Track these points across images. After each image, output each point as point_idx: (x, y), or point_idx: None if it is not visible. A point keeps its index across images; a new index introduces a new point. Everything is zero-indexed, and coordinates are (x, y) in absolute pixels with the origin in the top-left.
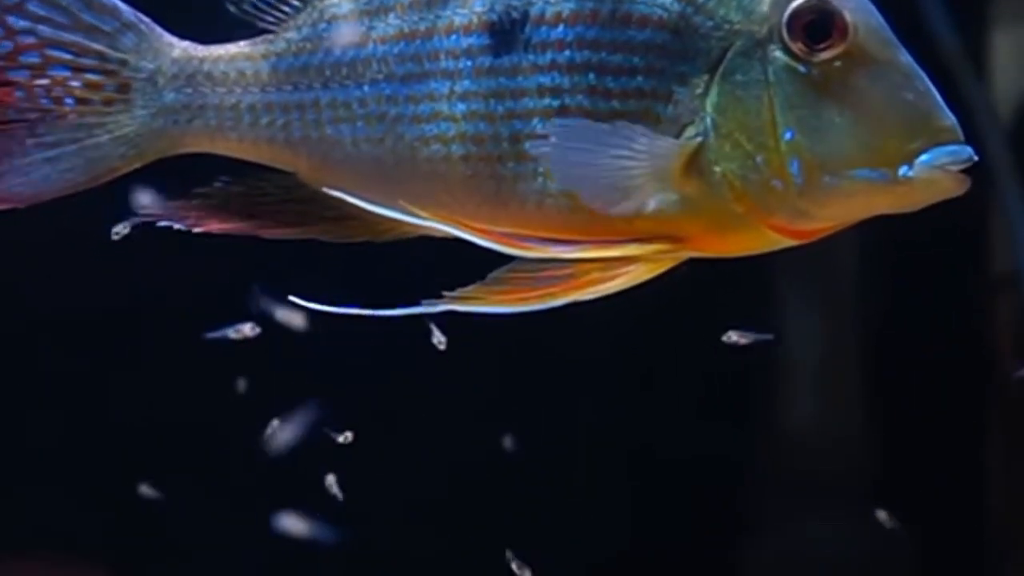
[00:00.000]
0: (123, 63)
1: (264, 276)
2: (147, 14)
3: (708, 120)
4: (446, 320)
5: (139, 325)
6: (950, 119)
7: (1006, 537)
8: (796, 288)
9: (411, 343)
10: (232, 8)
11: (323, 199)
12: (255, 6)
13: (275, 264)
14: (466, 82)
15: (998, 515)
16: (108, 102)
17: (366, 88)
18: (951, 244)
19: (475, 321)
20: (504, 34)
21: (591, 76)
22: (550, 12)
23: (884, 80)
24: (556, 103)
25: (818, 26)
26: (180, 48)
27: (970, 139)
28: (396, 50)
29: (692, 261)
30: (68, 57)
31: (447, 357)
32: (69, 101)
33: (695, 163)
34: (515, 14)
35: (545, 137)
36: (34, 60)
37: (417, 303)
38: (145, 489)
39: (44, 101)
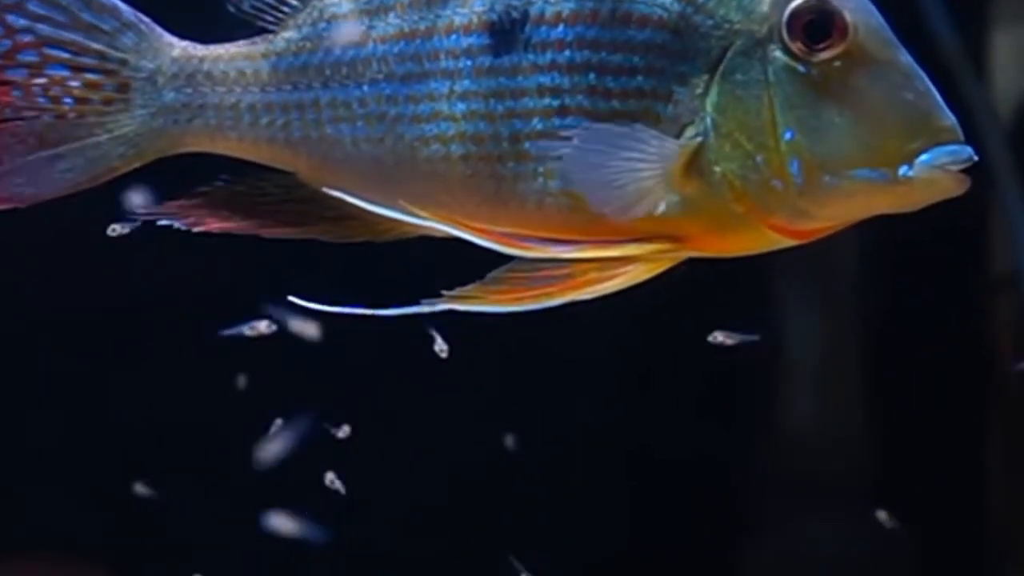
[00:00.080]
0: (123, 62)
1: (264, 276)
2: (147, 14)
3: (708, 120)
4: (445, 320)
5: (139, 325)
6: (950, 119)
7: (1006, 537)
8: (796, 288)
9: (410, 343)
10: (232, 8)
11: (323, 199)
12: (254, 6)
13: (275, 264)
14: (466, 82)
15: (998, 515)
16: (108, 101)
17: (366, 88)
18: (951, 244)
19: (474, 320)
20: (504, 34)
21: (591, 76)
22: (550, 12)
23: (884, 80)
24: (556, 103)
25: (818, 26)
26: (180, 47)
27: (970, 139)
28: (396, 50)
29: (691, 261)
30: (67, 56)
31: (445, 357)
32: (68, 100)
33: (695, 163)
34: (515, 14)
35: (551, 136)
36: (33, 59)
37: (416, 303)
38: (145, 489)
39: (43, 100)
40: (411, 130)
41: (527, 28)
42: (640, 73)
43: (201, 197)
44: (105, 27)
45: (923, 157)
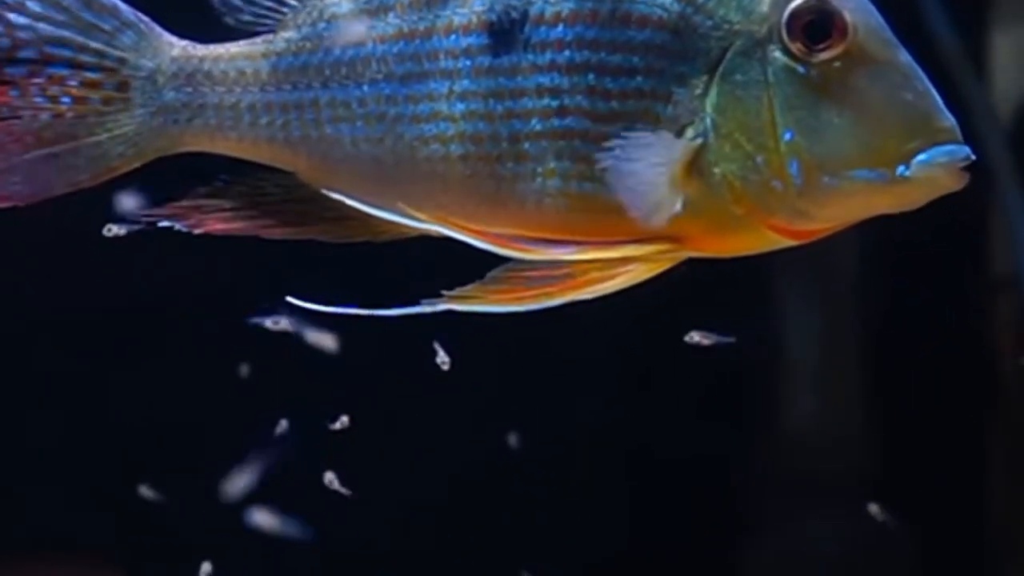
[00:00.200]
0: (122, 62)
1: (264, 275)
2: (147, 13)
3: (708, 120)
4: (445, 320)
5: (139, 325)
6: (949, 120)
7: (1006, 537)
8: (797, 288)
9: (410, 343)
10: (231, 21)
11: (323, 199)
12: (255, 13)
13: (275, 263)
14: (465, 82)
15: (998, 515)
16: (107, 101)
17: (365, 88)
18: (951, 244)
19: (474, 320)
20: (503, 34)
21: (590, 76)
22: (549, 12)
23: (884, 80)
24: (555, 103)
25: (817, 26)
26: (179, 47)
27: (970, 140)
28: (395, 50)
29: (691, 260)
30: (67, 55)
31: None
32: (67, 100)
33: (695, 164)
34: (514, 14)
35: (551, 137)
36: (33, 58)
37: (417, 303)
38: (145, 489)
39: (41, 100)
40: (410, 130)
41: (526, 28)
42: (640, 74)
43: (201, 198)
44: (105, 26)
45: (921, 156)
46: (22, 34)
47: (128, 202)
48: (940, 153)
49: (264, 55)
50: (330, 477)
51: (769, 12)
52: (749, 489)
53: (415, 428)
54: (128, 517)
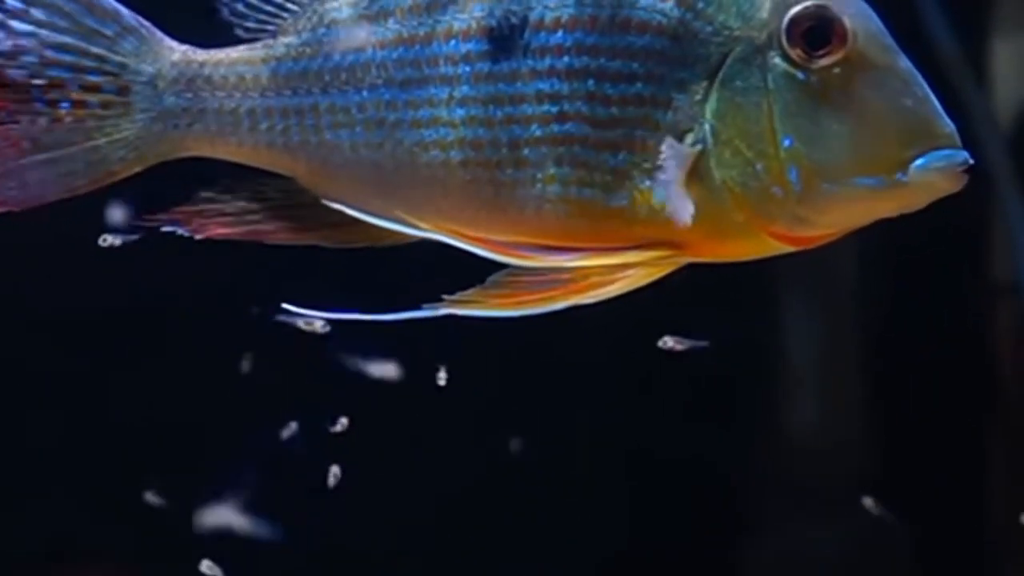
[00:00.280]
0: (123, 66)
1: (265, 277)
2: (148, 18)
3: (707, 127)
4: (446, 328)
5: (140, 326)
6: (949, 126)
7: (1006, 541)
8: (797, 293)
9: (410, 345)
10: (238, 30)
11: (324, 204)
12: (257, 19)
13: (276, 265)
14: (465, 87)
15: (998, 519)
16: (107, 105)
17: (365, 93)
18: (951, 249)
19: (475, 324)
20: (503, 40)
21: (590, 82)
22: (549, 18)
23: (883, 86)
24: (555, 109)
25: (817, 32)
26: (180, 52)
27: (970, 146)
28: (395, 55)
29: (692, 264)
30: (68, 60)
31: (444, 360)
32: (66, 104)
33: (695, 170)
34: (514, 19)
35: (550, 143)
36: (33, 62)
37: (417, 306)
38: (146, 490)
39: (40, 104)
40: (410, 136)
41: (526, 34)
42: (639, 80)
43: (202, 203)
44: (106, 31)
45: (919, 161)
46: (24, 41)
47: (127, 208)
48: (938, 157)
49: (264, 60)
50: (331, 480)
51: (769, 18)
52: (749, 492)
53: (416, 430)
54: (128, 518)
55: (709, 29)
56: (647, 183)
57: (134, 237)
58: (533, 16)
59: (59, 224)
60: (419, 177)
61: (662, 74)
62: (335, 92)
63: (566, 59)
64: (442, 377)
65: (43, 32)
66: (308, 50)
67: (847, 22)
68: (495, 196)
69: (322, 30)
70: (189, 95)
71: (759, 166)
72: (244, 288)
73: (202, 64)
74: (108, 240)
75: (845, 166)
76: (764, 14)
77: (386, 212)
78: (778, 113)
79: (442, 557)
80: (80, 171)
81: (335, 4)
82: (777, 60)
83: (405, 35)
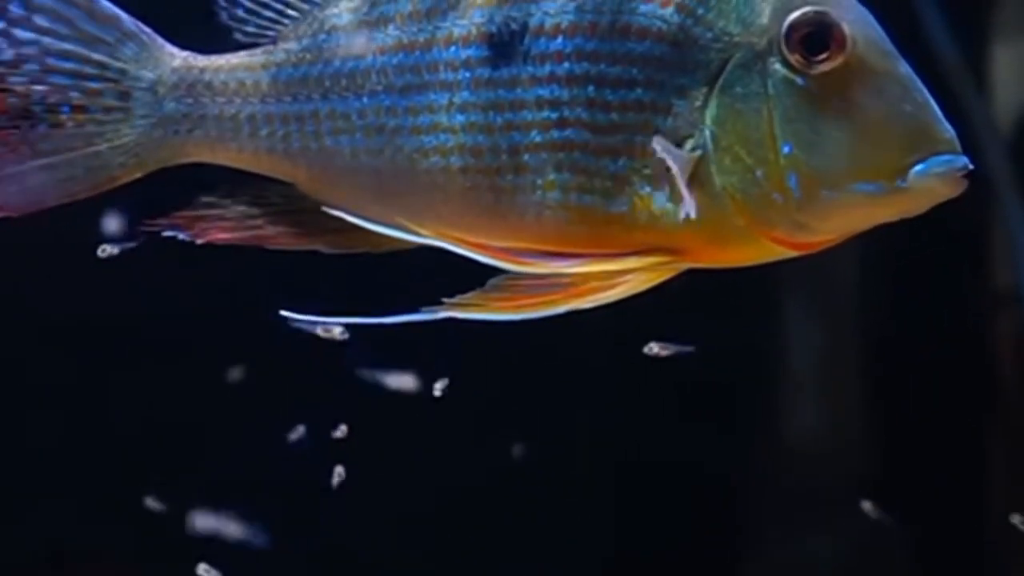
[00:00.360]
0: (123, 72)
1: (265, 282)
2: (148, 24)
3: (707, 133)
4: (446, 332)
5: (139, 330)
6: (949, 131)
7: (1006, 545)
8: (797, 297)
9: (411, 349)
10: (238, 35)
11: (324, 210)
12: (258, 25)
13: (276, 268)
14: (465, 94)
15: (999, 522)
16: (108, 111)
17: (365, 99)
18: (952, 255)
19: (475, 328)
20: (503, 46)
21: (590, 88)
22: (549, 24)
23: (883, 92)
24: (555, 115)
25: (816, 38)
26: (180, 58)
27: (970, 151)
28: (395, 61)
29: (692, 269)
30: (69, 66)
31: (444, 362)
32: (66, 110)
33: (695, 176)
34: (514, 26)
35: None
36: (34, 68)
37: (417, 310)
38: (146, 493)
39: (40, 110)
40: (410, 142)
41: (526, 40)
42: (639, 85)
43: (203, 208)
44: (107, 38)
45: (919, 167)
46: (27, 49)
47: (128, 214)
48: (938, 163)
49: (264, 66)
50: (332, 482)
51: (769, 24)
52: (750, 496)
53: (416, 433)
54: (128, 520)
55: (709, 35)
56: (647, 189)
57: (131, 245)
58: (533, 22)
59: (60, 228)
60: (419, 183)
61: (662, 80)
62: (335, 98)
63: (566, 65)
64: (443, 382)
65: (45, 39)
66: (308, 56)
67: (846, 28)
68: (495, 202)
69: (322, 36)
70: (189, 101)
71: (759, 172)
72: (244, 293)
73: (202, 70)
74: (107, 250)
75: (845, 172)
76: (764, 20)
77: (386, 218)
78: (778, 119)
79: (443, 558)
80: (80, 176)
81: (335, 10)
82: (777, 66)
83: (405, 41)
